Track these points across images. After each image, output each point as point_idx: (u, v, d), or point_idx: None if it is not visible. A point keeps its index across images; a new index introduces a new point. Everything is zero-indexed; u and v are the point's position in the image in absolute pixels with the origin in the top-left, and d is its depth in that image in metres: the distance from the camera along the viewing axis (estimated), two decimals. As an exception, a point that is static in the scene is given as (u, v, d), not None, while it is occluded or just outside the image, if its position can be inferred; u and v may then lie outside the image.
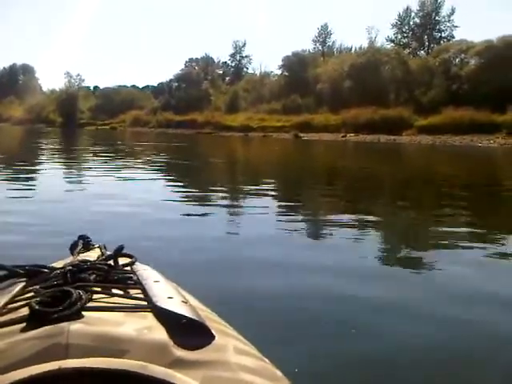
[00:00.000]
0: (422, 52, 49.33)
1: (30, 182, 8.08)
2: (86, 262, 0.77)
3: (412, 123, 33.59)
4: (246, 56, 63.42)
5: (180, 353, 0.54)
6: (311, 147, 26.12)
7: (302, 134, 36.29)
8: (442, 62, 37.01)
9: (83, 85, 65.35)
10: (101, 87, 68.84)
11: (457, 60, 36.98)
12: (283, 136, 36.79)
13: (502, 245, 4.45)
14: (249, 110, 46.21)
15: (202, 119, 47.02)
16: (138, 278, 0.75)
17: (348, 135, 34.50)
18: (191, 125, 45.79)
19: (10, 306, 0.64)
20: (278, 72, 52.85)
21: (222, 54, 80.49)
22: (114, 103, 57.61)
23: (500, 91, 30.16)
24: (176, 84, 57.13)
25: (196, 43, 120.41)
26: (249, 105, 48.04)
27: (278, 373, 0.63)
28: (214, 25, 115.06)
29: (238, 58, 63.64)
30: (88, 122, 55.99)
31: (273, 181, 9.94)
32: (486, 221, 5.93)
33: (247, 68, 63.31)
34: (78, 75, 63.11)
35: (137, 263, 0.84)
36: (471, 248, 4.20)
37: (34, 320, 0.56)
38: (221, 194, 7.44)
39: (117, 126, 53.34)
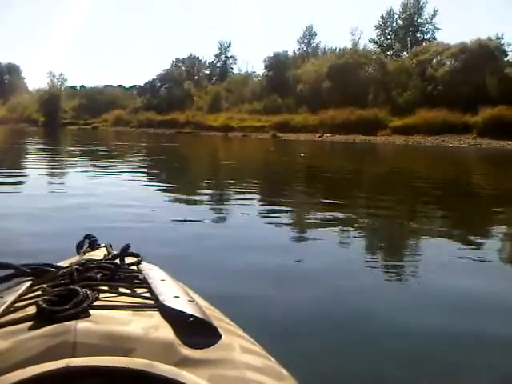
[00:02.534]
0: (405, 54, 49.62)
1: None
2: (92, 261, 0.78)
3: (387, 124, 33.95)
4: (231, 56, 63.63)
5: (186, 351, 0.54)
6: (287, 146, 26.41)
7: (280, 134, 36.69)
8: (419, 64, 37.36)
9: (67, 84, 65.26)
10: (87, 87, 68.83)
11: (433, 62, 37.33)
12: (262, 136, 37.18)
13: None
14: (231, 110, 46.40)
15: (183, 119, 47.19)
16: (144, 277, 0.75)
17: (325, 135, 34.89)
18: (172, 124, 45.94)
19: (17, 304, 0.63)
20: (262, 72, 53.09)
21: (210, 54, 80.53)
22: (97, 103, 57.60)
23: (472, 93, 30.66)
24: (159, 84, 57.17)
25: (185, 43, 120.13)
26: (231, 105, 48.24)
27: (284, 372, 0.63)
28: (204, 25, 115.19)
29: (223, 58, 63.84)
30: (70, 122, 55.82)
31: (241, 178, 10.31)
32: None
33: (232, 68, 63.55)
34: (61, 75, 63.06)
35: (143, 262, 0.85)
36: (443, 241, 4.65)
37: (41, 318, 0.55)
38: (203, 192, 7.79)
39: (99, 125, 53.35)
